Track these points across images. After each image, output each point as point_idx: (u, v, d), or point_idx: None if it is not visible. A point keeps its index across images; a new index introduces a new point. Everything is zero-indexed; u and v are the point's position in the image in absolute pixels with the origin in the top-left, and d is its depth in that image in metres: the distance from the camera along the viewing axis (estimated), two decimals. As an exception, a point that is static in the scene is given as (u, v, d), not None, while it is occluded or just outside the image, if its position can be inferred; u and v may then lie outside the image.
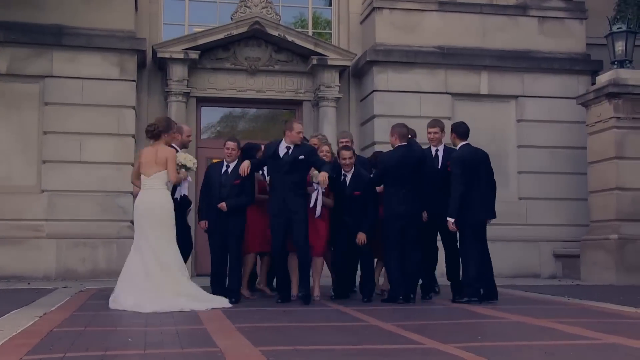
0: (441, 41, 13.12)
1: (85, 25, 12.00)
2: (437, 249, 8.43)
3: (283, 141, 7.83)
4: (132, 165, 11.92)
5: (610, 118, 11.90)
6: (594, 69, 13.34)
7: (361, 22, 13.73)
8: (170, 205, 7.42)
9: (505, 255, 11.45)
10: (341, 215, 8.01)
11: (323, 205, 8.01)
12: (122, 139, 12.02)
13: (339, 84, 13.10)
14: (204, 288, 7.59)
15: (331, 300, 8.06)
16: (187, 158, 7.64)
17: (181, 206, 7.96)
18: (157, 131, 7.46)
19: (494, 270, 8.20)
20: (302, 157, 7.73)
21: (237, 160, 7.97)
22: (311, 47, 12.93)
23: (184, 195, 7.97)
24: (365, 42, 13.42)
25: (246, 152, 8.27)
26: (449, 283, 8.32)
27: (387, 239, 7.81)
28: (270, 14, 12.95)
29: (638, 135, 11.85)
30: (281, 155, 7.76)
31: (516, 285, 10.04)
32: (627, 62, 12.17)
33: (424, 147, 8.43)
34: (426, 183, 7.98)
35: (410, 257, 7.77)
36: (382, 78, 12.86)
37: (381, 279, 8.74)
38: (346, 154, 8.05)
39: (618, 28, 12.18)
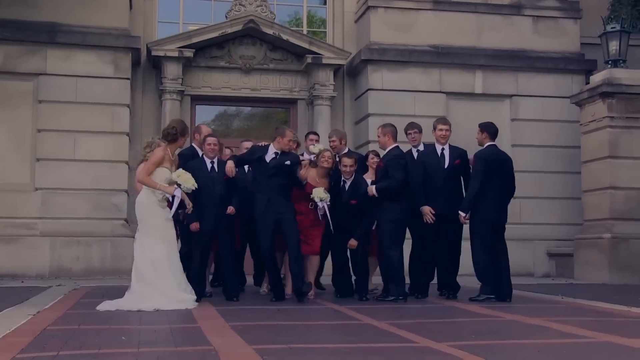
0: (436, 40, 13.13)
1: (79, 23, 11.98)
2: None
3: (271, 146, 7.84)
4: (127, 163, 11.93)
5: (604, 117, 11.93)
6: (588, 69, 13.38)
7: (356, 21, 13.73)
8: (143, 203, 7.30)
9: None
10: (338, 220, 8.01)
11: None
12: (116, 137, 11.99)
13: (334, 83, 13.11)
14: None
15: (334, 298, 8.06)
16: (186, 179, 7.26)
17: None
18: (175, 134, 7.36)
19: None
20: (287, 162, 7.81)
21: (217, 156, 7.90)
22: (306, 45, 12.92)
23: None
24: (360, 41, 13.43)
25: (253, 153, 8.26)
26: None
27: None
28: (265, 12, 12.95)
29: (632, 135, 11.89)
30: (268, 160, 7.80)
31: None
32: (621, 61, 12.21)
33: (403, 146, 8.34)
34: (432, 182, 8.02)
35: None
36: (376, 77, 12.87)
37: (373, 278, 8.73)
38: (347, 161, 7.99)
39: (612, 28, 12.21)
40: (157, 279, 7.11)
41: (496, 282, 7.89)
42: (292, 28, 13.51)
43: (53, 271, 11.41)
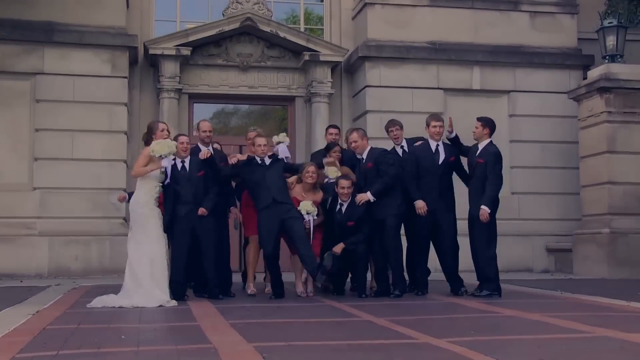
0: (433, 36, 13.13)
1: (76, 22, 11.95)
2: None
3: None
4: (125, 162, 11.93)
5: (601, 112, 11.94)
6: (586, 64, 13.38)
7: (353, 18, 13.72)
8: (139, 203, 7.48)
9: (497, 250, 11.47)
10: (333, 239, 7.99)
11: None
12: (114, 136, 11.98)
13: (331, 80, 13.10)
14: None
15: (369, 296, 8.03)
16: (162, 147, 7.42)
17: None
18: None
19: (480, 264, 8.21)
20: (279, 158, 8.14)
21: (189, 156, 7.85)
22: (303, 43, 12.91)
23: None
24: (357, 38, 13.41)
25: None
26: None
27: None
28: (262, 10, 12.94)
29: (629, 130, 11.90)
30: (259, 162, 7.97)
31: (509, 280, 10.06)
32: (618, 56, 12.21)
33: (382, 144, 8.46)
34: (426, 178, 8.06)
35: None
36: (374, 74, 12.86)
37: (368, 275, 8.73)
38: (345, 183, 7.95)
39: (609, 23, 12.21)
40: (151, 277, 7.22)
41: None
42: (289, 25, 13.49)
43: (52, 270, 11.41)
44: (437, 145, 8.24)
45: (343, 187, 7.94)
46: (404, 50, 12.95)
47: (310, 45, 12.92)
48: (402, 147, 8.46)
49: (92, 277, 11.07)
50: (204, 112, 13.57)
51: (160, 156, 7.39)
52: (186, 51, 12.51)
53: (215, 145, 8.71)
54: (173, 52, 12.45)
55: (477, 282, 8.14)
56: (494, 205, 7.93)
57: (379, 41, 12.94)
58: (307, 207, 7.88)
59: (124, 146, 12.00)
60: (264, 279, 8.71)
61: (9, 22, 11.66)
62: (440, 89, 13.07)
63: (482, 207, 7.80)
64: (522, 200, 13.00)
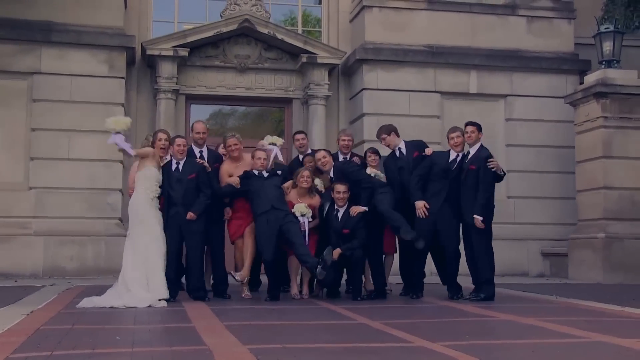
0: (430, 40, 13.15)
1: (74, 22, 11.94)
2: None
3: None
4: (121, 162, 11.91)
5: (598, 117, 11.96)
6: (582, 69, 13.42)
7: (351, 21, 13.73)
8: (136, 202, 7.57)
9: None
10: (329, 245, 7.98)
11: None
12: (110, 136, 11.92)
13: (329, 82, 13.11)
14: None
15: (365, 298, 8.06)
16: (116, 122, 7.73)
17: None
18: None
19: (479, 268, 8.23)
20: (279, 172, 8.20)
21: (185, 158, 7.89)
22: (301, 45, 12.92)
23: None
24: (354, 41, 13.42)
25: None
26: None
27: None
28: (260, 11, 12.94)
29: (625, 135, 11.93)
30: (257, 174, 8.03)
31: (504, 284, 10.08)
32: (614, 62, 12.24)
33: (378, 147, 8.53)
34: (436, 183, 8.12)
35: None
36: (371, 76, 12.88)
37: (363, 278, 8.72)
38: (341, 187, 7.95)
39: (606, 28, 12.24)
40: (141, 280, 7.29)
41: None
42: (287, 27, 13.50)
43: (47, 270, 11.38)
44: (457, 155, 8.16)
45: (339, 192, 7.94)
46: (402, 53, 12.97)
47: (308, 48, 12.93)
48: (399, 149, 8.45)
49: (87, 278, 11.04)
50: (201, 113, 13.54)
51: (118, 132, 7.59)
52: (184, 52, 12.51)
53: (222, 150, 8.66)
54: (170, 53, 12.45)
55: (473, 286, 8.15)
56: (488, 210, 7.93)
57: (376, 44, 12.96)
58: (301, 210, 7.92)
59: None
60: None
61: (7, 21, 11.64)
62: (437, 92, 13.09)
63: (475, 217, 7.82)
64: (517, 205, 13.02)
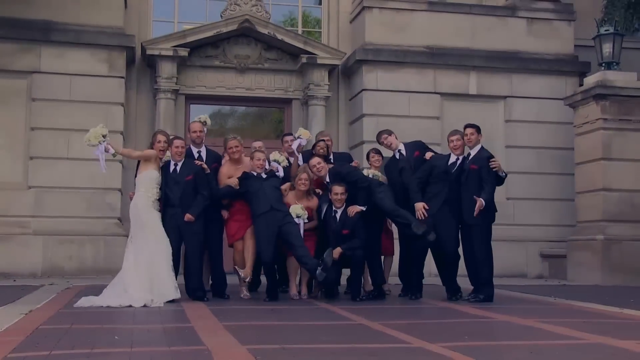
0: (430, 41, 13.15)
1: (74, 21, 11.95)
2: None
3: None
4: (121, 162, 11.90)
5: (597, 119, 11.97)
6: (582, 71, 13.43)
7: (351, 21, 13.73)
8: (138, 205, 7.59)
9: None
10: (327, 247, 7.97)
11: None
12: (110, 136, 11.79)
13: (328, 83, 13.11)
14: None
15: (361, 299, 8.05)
16: (91, 133, 7.87)
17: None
18: None
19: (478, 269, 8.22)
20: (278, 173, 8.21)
21: (184, 159, 7.88)
22: (301, 45, 12.92)
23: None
24: (354, 41, 13.43)
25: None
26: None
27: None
28: (260, 12, 12.93)
29: (625, 137, 11.94)
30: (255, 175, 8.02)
31: (503, 285, 10.08)
32: (614, 64, 12.25)
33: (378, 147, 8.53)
34: (436, 185, 8.11)
35: None
36: (371, 77, 12.88)
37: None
38: (338, 189, 7.92)
39: (606, 30, 12.25)
40: (149, 281, 7.28)
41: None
42: (287, 28, 13.51)
43: (46, 270, 11.37)
44: (457, 158, 8.16)
45: (337, 194, 7.94)
46: (401, 54, 12.97)
47: (308, 48, 12.93)
48: (399, 151, 8.45)
49: (86, 277, 11.03)
50: (200, 113, 13.37)
51: (98, 143, 7.75)
52: (184, 52, 12.51)
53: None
54: (170, 53, 12.45)
55: (472, 287, 8.15)
56: (489, 210, 7.93)
57: (376, 45, 12.96)
58: (297, 211, 7.92)
59: (119, 146, 11.94)
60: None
61: (6, 20, 11.64)
62: (437, 93, 13.09)
63: (477, 197, 7.75)
64: (517, 206, 13.02)
